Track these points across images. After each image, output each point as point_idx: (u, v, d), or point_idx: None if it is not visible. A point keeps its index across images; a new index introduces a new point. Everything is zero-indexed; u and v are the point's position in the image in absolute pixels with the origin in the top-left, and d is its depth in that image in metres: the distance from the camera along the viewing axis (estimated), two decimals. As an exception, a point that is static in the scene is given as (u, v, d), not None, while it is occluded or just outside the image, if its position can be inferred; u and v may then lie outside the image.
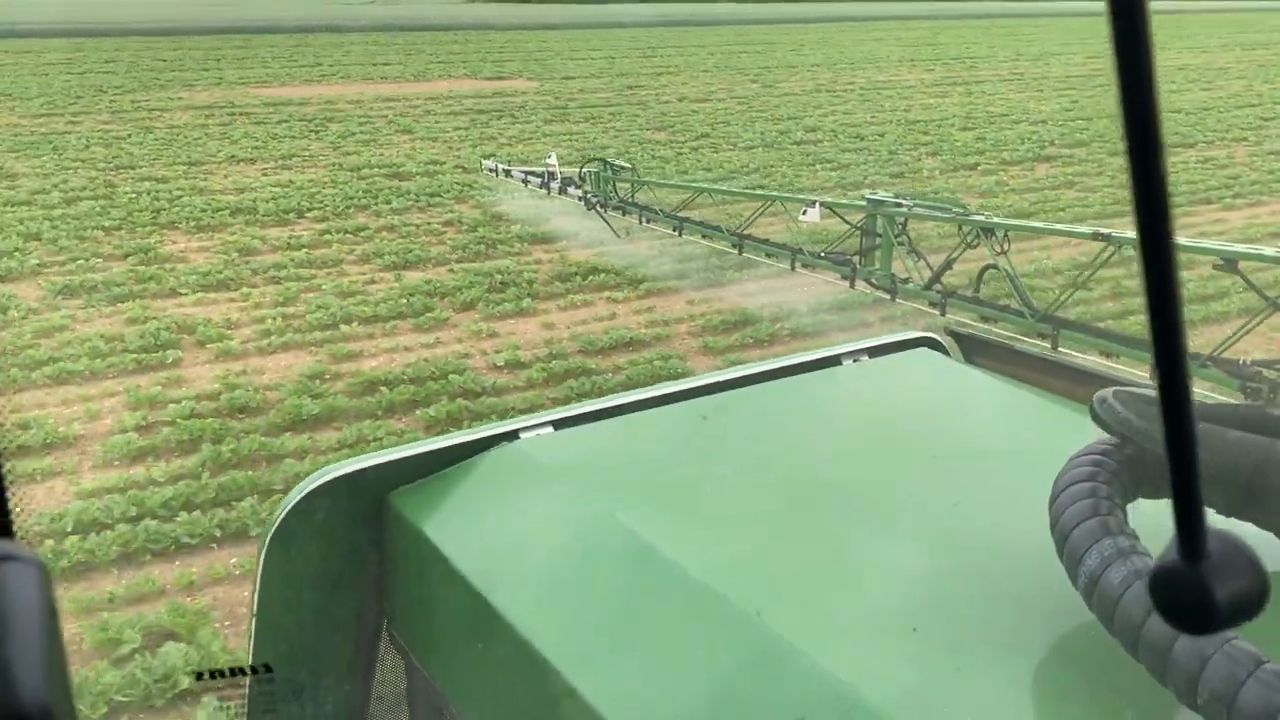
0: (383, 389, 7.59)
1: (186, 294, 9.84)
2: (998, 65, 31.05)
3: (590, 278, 10.39)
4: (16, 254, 10.85)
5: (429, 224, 12.67)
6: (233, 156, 16.87)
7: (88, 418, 7.10)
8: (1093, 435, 1.13)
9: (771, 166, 15.63)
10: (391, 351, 8.55)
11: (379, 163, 16.38)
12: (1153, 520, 0.99)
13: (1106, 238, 6.00)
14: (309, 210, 13.07)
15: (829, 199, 8.96)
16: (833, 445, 1.62)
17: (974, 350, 2.02)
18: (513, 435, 1.59)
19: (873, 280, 7.77)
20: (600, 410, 1.68)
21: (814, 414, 1.76)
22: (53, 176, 15.09)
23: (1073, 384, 1.77)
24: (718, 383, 1.79)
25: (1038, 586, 1.11)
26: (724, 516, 1.39)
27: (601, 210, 10.83)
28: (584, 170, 11.22)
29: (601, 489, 1.47)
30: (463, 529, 1.43)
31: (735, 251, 9.27)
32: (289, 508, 1.46)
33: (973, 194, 13.96)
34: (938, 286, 7.23)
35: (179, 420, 6.94)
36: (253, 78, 28.23)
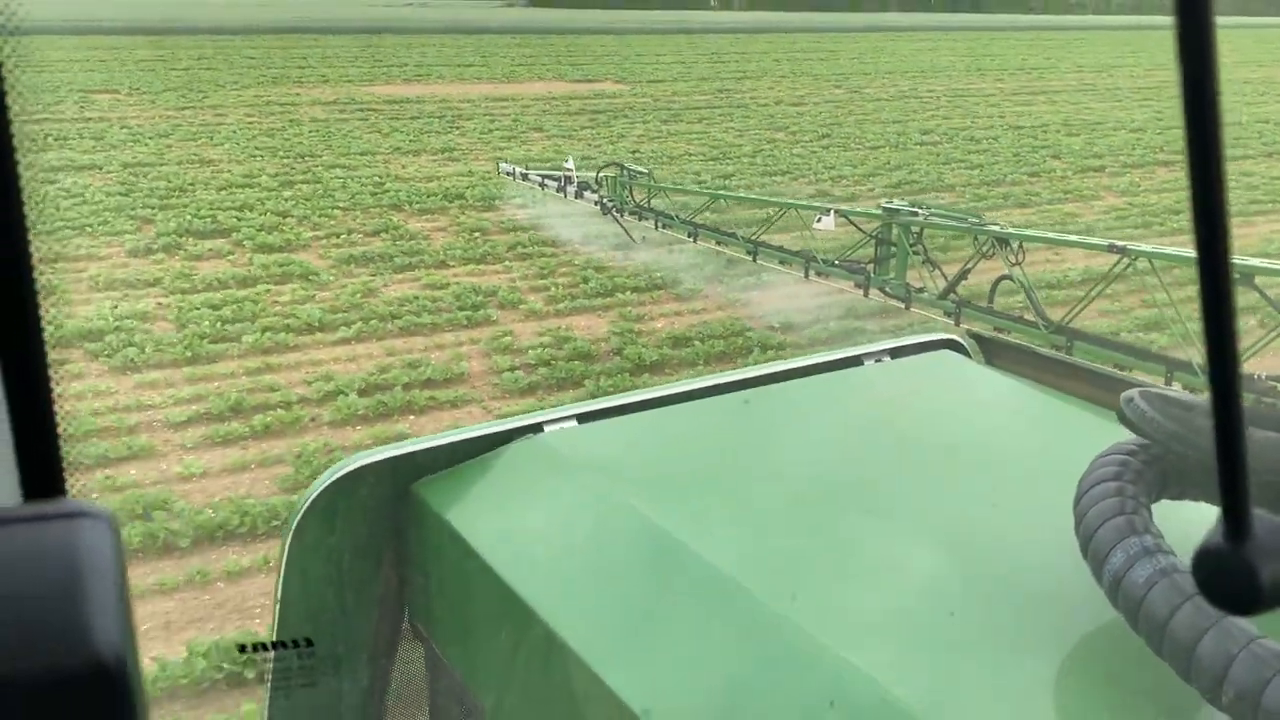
0: (695, 342, 8.80)
1: (455, 265, 11.06)
2: (1063, 76, 32.29)
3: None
4: (282, 229, 12.08)
5: (622, 211, 13.89)
6: (396, 148, 18.12)
7: (456, 360, 8.31)
8: (1114, 438, 1.15)
9: (912, 165, 16.85)
10: (669, 315, 9.75)
11: (537, 157, 17.59)
12: (1177, 522, 1.03)
13: (1122, 250, 6.06)
14: (512, 197, 14.29)
15: (844, 207, 9.06)
16: (855, 444, 1.64)
17: (995, 353, 2.04)
18: (537, 428, 1.62)
19: (887, 289, 7.84)
20: (623, 405, 1.72)
21: (836, 413, 1.78)
22: (248, 163, 16.33)
23: (1093, 388, 1.79)
24: (739, 380, 1.82)
25: (1061, 584, 1.13)
26: (746, 512, 1.41)
27: (617, 215, 10.95)
28: (600, 174, 11.36)
29: (625, 482, 1.48)
30: (486, 519, 1.44)
31: (750, 258, 9.38)
32: (315, 495, 1.49)
33: (1113, 193, 15.20)
34: (952, 296, 7.29)
35: (552, 361, 8.16)
36: (353, 76, 29.50)
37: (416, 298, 9.75)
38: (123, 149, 17.36)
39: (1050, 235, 8.71)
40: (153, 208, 12.91)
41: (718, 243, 9.90)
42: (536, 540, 1.41)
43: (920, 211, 7.69)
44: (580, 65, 34.56)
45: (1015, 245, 6.84)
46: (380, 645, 1.64)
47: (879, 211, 7.89)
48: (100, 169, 15.55)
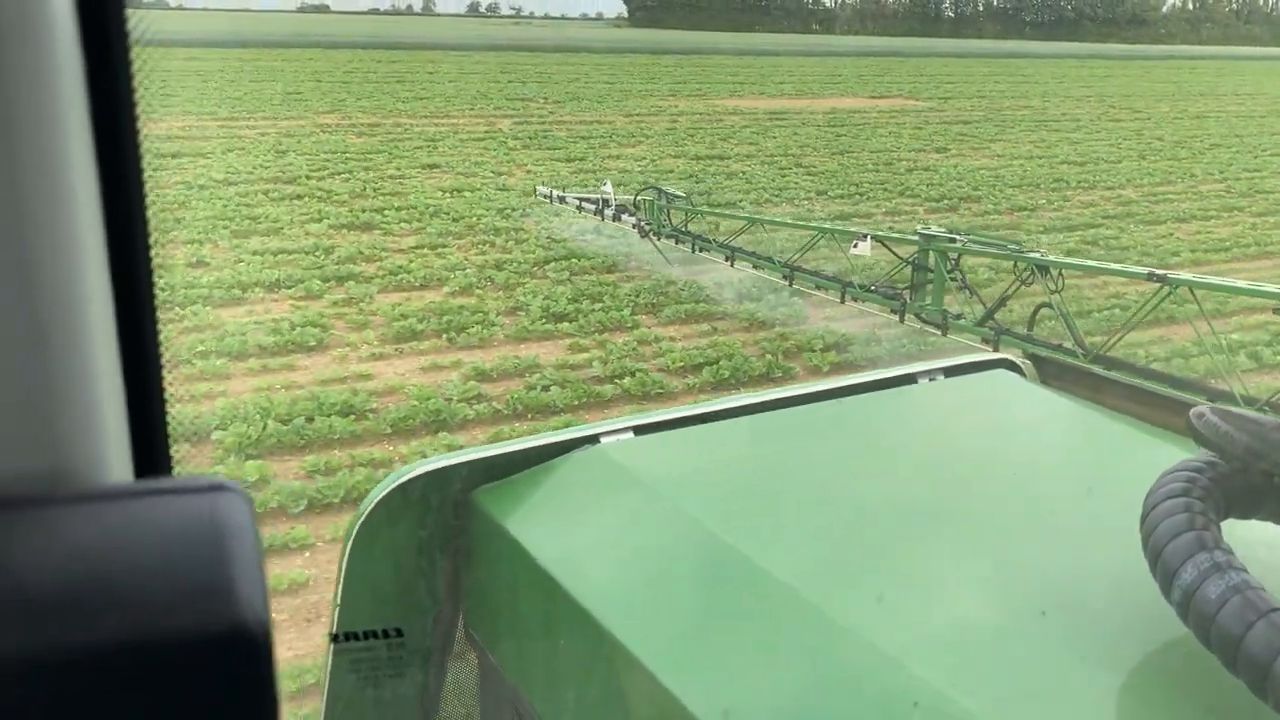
0: None
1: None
2: (1281, 101, 36.79)
3: None
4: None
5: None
6: (902, 147, 22.19)
7: None
8: (1176, 456, 1.15)
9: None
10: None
11: (1056, 156, 21.46)
12: (1246, 540, 1.05)
13: (1162, 279, 6.00)
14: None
15: (880, 233, 9.16)
16: (915, 462, 1.65)
17: (1050, 374, 2.06)
18: (594, 439, 1.64)
19: (923, 315, 7.84)
20: (679, 419, 1.74)
21: (895, 431, 1.82)
22: (819, 160, 20.52)
23: (1150, 409, 1.82)
24: (793, 397, 1.84)
25: (1127, 601, 1.13)
26: (804, 526, 1.42)
27: (655, 238, 11.05)
28: (638, 198, 11.46)
29: (683, 494, 1.51)
30: (544, 528, 1.47)
31: (786, 283, 9.40)
32: (375, 502, 1.52)
33: None
34: (991, 323, 7.27)
35: None
36: (666, 91, 33.72)
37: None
38: (681, 144, 21.57)
39: (1090, 263, 8.64)
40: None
41: (754, 266, 9.82)
42: (596, 550, 1.44)
43: (958, 238, 7.72)
44: (837, 83, 38.89)
45: (1054, 273, 6.86)
46: (435, 651, 1.68)
47: (915, 238, 7.99)
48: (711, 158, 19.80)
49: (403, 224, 13.39)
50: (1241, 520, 1.12)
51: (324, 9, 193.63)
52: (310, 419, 7.00)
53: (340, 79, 34.06)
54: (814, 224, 10.54)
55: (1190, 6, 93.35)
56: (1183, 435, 1.15)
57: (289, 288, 10.30)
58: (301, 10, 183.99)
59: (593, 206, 12.11)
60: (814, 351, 8.85)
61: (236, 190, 15.01)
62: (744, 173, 18.39)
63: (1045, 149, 22.72)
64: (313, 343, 8.71)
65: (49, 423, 0.49)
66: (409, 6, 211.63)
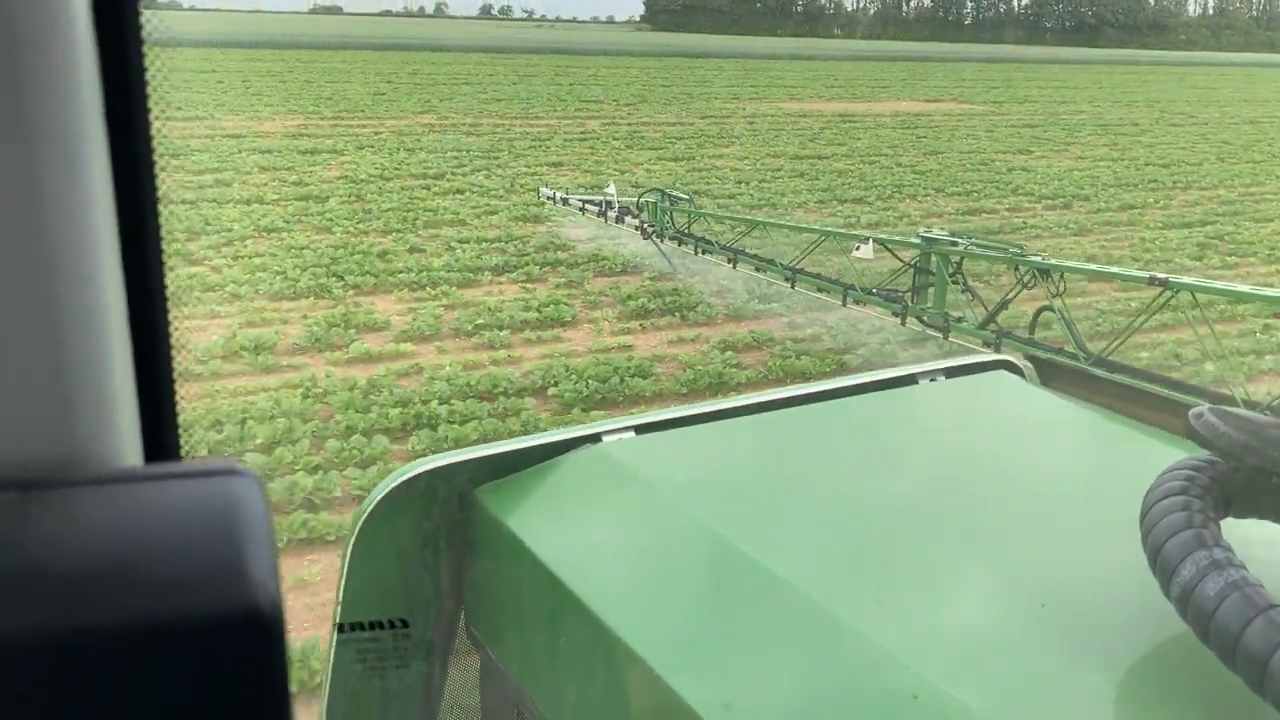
0: None
1: None
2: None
3: None
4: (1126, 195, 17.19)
5: None
6: (1001, 149, 23.24)
7: None
8: (1175, 457, 1.16)
9: None
10: None
11: (1138, 158, 22.66)
12: (1244, 539, 1.05)
13: (1164, 283, 6.04)
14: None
15: (882, 235, 9.21)
16: (915, 462, 1.66)
17: (1051, 375, 2.07)
18: (595, 438, 1.65)
19: (924, 318, 7.91)
20: (680, 418, 1.75)
21: (895, 431, 1.83)
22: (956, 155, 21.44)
23: (1150, 411, 1.84)
24: (794, 397, 1.86)
25: (1126, 598, 1.14)
26: (806, 526, 1.44)
27: (658, 240, 11.19)
28: (641, 199, 11.62)
29: (685, 493, 1.52)
30: (546, 525, 1.48)
31: (789, 285, 9.42)
32: (377, 500, 1.53)
33: None
34: (992, 326, 7.35)
35: None
36: (725, 94, 34.79)
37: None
38: (770, 144, 22.51)
39: (1092, 267, 8.82)
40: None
41: (757, 269, 9.92)
42: (599, 548, 1.46)
43: (960, 241, 7.78)
44: (886, 86, 39.88)
45: (1056, 276, 6.92)
46: (437, 650, 1.70)
47: (918, 241, 8.06)
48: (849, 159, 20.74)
49: (567, 218, 14.29)
50: (1241, 518, 1.13)
51: (336, 10, 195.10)
52: (622, 379, 7.91)
53: (409, 80, 35.10)
54: (815, 227, 10.91)
55: (1210, 13, 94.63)
56: (1182, 436, 1.18)
57: (509, 272, 11.24)
58: (314, 12, 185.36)
59: (596, 208, 12.28)
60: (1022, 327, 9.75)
61: (396, 185, 15.93)
62: (852, 170, 19.31)
63: (1121, 151, 23.69)
64: (567, 318, 9.63)
65: (63, 408, 0.49)
66: (421, 8, 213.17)
